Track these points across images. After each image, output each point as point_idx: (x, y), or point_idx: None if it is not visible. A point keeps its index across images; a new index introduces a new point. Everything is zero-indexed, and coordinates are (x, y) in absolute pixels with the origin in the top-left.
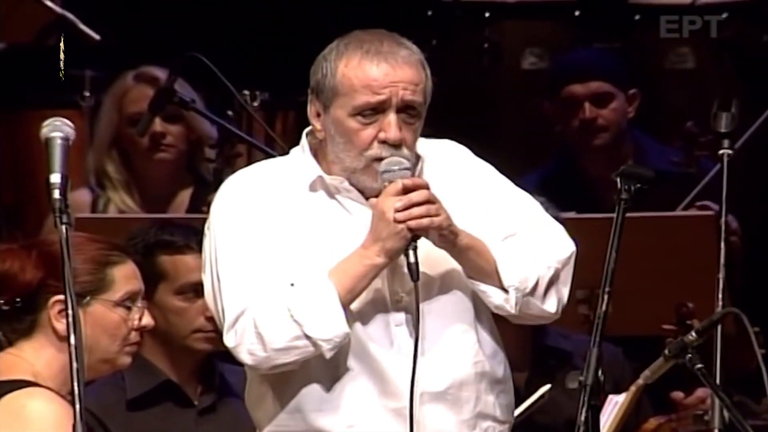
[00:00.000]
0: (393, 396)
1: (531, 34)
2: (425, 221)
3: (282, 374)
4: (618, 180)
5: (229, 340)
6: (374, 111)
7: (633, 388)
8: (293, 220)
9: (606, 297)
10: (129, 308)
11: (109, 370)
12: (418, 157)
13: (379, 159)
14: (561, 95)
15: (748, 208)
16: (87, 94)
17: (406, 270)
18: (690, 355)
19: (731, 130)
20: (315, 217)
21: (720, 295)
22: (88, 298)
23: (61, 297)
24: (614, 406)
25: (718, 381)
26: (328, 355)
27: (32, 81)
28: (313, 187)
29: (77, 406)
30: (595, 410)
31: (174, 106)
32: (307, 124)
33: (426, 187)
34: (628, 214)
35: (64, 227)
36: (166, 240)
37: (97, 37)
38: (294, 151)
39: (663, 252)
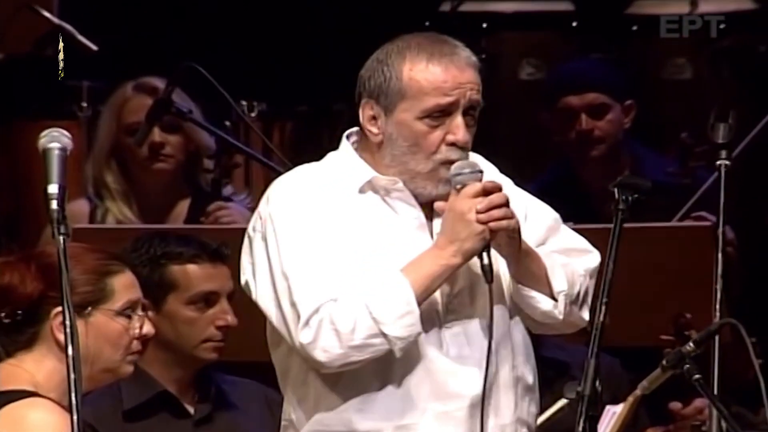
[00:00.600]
0: (443, 398)
1: (528, 44)
2: (504, 223)
3: (332, 374)
4: (615, 191)
5: (304, 337)
6: (442, 113)
7: (630, 399)
8: (345, 221)
9: (603, 308)
10: (129, 317)
11: (111, 379)
12: None
13: (447, 162)
14: (558, 106)
15: (745, 218)
16: (84, 104)
17: (458, 273)
18: (687, 366)
19: (728, 141)
20: (364, 217)
21: (717, 306)
22: (89, 308)
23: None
24: (612, 416)
25: (715, 391)
26: (399, 354)
27: (30, 91)
28: (362, 189)
29: (74, 417)
30: (593, 421)
31: (172, 116)
32: (304, 134)
33: (502, 189)
34: (625, 225)
35: (61, 238)
36: (175, 251)
37: (94, 47)
38: (333, 155)
39: (660, 263)
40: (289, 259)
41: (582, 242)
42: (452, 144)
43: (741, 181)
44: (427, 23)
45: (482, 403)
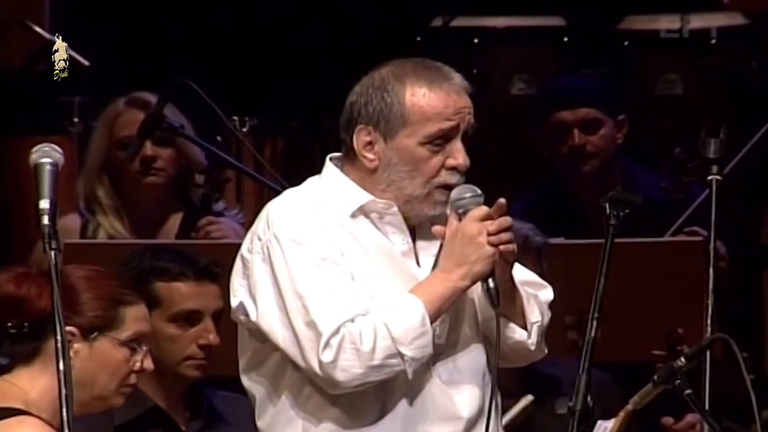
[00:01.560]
0: (442, 422)
1: (519, 59)
2: (511, 246)
3: (321, 398)
4: (607, 206)
5: (325, 356)
6: (443, 138)
7: (622, 414)
8: (347, 243)
9: (595, 323)
10: (134, 350)
11: (101, 407)
12: None
13: (444, 186)
14: (550, 121)
15: (736, 233)
16: (76, 119)
17: None
18: (679, 381)
19: (719, 156)
20: (358, 241)
21: (709, 321)
22: (95, 333)
23: (70, 329)
24: (603, 431)
25: (707, 406)
26: (411, 375)
27: (21, 107)
28: (354, 213)
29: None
30: None
31: (163, 131)
32: (296, 150)
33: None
34: (616, 240)
35: (52, 253)
36: (162, 267)
37: (86, 62)
38: (316, 179)
39: (652, 278)
40: (302, 280)
41: (535, 276)
42: (452, 168)
43: (733, 197)
44: (418, 38)
45: (486, 426)
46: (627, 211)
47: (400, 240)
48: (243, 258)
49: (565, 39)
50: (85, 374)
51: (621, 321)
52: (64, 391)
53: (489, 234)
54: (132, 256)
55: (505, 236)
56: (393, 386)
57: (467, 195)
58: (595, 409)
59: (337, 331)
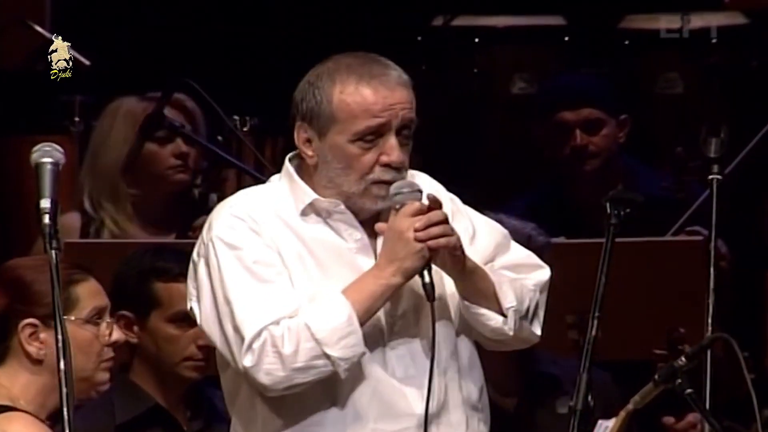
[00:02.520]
0: (391, 419)
1: (520, 59)
2: (443, 240)
3: (278, 397)
4: (607, 205)
5: (247, 361)
6: (374, 135)
7: (622, 413)
8: (289, 244)
9: (595, 322)
10: (97, 324)
11: (89, 389)
12: None
13: (380, 182)
14: (551, 121)
15: (737, 232)
16: (77, 119)
17: (401, 293)
18: (679, 380)
19: (720, 155)
20: (307, 241)
21: (709, 320)
22: None
23: (30, 320)
24: (604, 430)
25: (707, 406)
26: (344, 375)
27: (22, 106)
28: (304, 211)
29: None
30: None
31: (163, 130)
32: (296, 149)
33: (441, 206)
34: (617, 240)
35: (53, 252)
36: (161, 267)
37: (87, 62)
38: (276, 177)
39: (652, 277)
40: (231, 284)
41: (532, 258)
42: (386, 165)
43: (734, 196)
44: (419, 38)
45: (425, 422)
46: (627, 210)
47: (354, 237)
48: (192, 261)
49: (566, 38)
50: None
51: (621, 320)
52: (64, 390)
53: (416, 230)
54: (132, 256)
55: (434, 230)
56: (343, 383)
57: (405, 190)
58: (595, 408)
59: (258, 335)
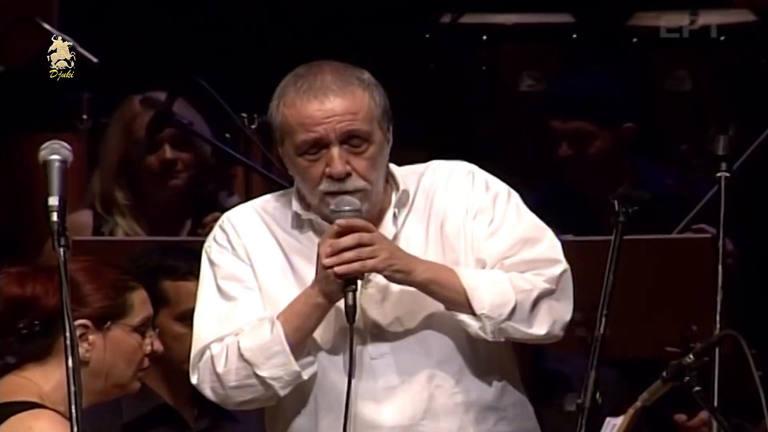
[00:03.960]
0: (368, 429)
1: (528, 56)
2: (356, 265)
3: (270, 407)
4: (615, 203)
5: (193, 378)
6: (317, 147)
7: (631, 411)
8: (273, 257)
9: (603, 319)
10: (144, 334)
11: (119, 394)
12: (391, 181)
13: (328, 193)
14: (546, 126)
15: (746, 230)
16: (85, 116)
17: (389, 304)
18: (688, 378)
19: (728, 153)
20: (290, 253)
21: (717, 318)
22: (108, 322)
23: (83, 321)
24: (612, 428)
25: (716, 403)
26: (282, 393)
27: (30, 104)
28: (298, 224)
29: (74, 429)
30: None
31: (178, 132)
32: None
33: (363, 229)
34: (625, 237)
35: (62, 250)
36: (170, 265)
37: (94, 59)
38: (292, 189)
39: (660, 275)
40: (202, 299)
41: (550, 251)
42: (329, 176)
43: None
44: (427, 35)
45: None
46: (635, 207)
47: None
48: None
49: (574, 36)
50: (102, 364)
51: (630, 318)
52: (72, 388)
53: (326, 255)
54: (140, 254)
55: (346, 256)
56: (314, 394)
57: (344, 208)
58: (603, 405)
59: (202, 353)
